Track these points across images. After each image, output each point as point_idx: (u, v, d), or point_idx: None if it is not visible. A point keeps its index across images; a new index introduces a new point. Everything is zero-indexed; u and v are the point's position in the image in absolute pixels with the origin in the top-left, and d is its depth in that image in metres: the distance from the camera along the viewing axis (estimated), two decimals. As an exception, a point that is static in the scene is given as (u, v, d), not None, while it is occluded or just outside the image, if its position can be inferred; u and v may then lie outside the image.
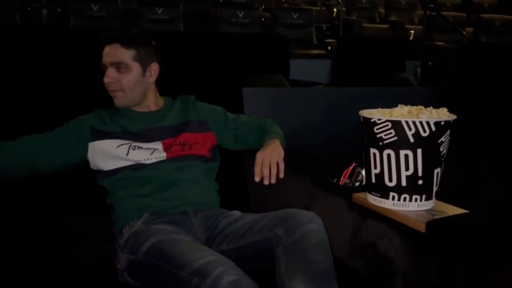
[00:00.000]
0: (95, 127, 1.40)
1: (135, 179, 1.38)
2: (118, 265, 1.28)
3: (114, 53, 1.37)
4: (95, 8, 4.58)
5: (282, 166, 1.36)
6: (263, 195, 1.61)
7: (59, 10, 4.85)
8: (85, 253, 1.24)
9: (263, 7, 5.62)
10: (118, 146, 1.39)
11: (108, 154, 1.38)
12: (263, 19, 5.29)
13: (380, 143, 1.16)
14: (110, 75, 1.37)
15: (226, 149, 1.59)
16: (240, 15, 5.11)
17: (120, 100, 1.40)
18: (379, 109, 1.23)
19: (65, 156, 1.37)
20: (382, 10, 6.47)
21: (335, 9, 6.10)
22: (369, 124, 1.17)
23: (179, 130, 1.47)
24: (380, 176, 1.18)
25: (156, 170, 1.39)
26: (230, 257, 1.12)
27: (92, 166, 1.41)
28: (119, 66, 1.37)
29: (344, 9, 5.87)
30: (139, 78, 1.40)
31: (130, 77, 1.38)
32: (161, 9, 4.80)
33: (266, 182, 1.33)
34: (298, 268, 1.10)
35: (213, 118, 1.55)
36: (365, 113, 1.21)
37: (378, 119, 1.15)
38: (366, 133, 1.19)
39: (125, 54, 1.37)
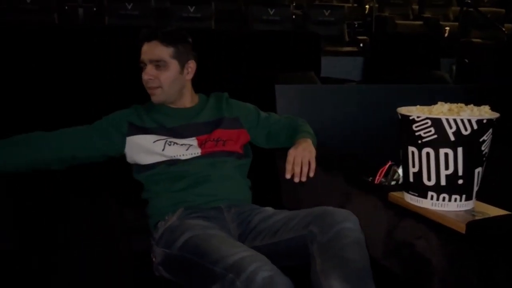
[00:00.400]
0: (132, 122, 1.43)
1: (170, 174, 1.39)
2: (154, 259, 1.30)
3: (153, 50, 1.38)
4: (129, 7, 4.67)
5: (313, 165, 1.35)
6: (296, 193, 1.61)
7: (94, 9, 4.97)
8: (122, 246, 1.26)
9: (294, 4, 5.60)
10: (154, 142, 1.41)
11: (145, 149, 1.40)
12: (294, 17, 5.28)
13: (419, 141, 1.13)
14: (149, 72, 1.38)
15: (259, 146, 1.59)
16: (271, 13, 5.11)
17: (158, 97, 1.42)
18: (418, 106, 1.20)
19: (104, 149, 1.40)
20: (415, 7, 6.34)
21: (367, 6, 6.02)
22: (408, 121, 1.15)
23: (213, 127, 1.48)
24: (418, 175, 1.16)
25: (191, 165, 1.40)
26: (263, 254, 1.12)
27: (129, 159, 1.44)
28: (158, 64, 1.38)
29: (376, 5, 5.78)
30: (177, 76, 1.42)
31: (168, 74, 1.39)
32: (193, 7, 4.85)
33: (296, 180, 1.32)
34: (334, 266, 1.09)
35: (246, 116, 1.55)
36: (404, 110, 1.18)
37: (417, 117, 1.12)
38: (404, 131, 1.17)
39: (164, 52, 1.38)
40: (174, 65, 1.40)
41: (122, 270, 1.19)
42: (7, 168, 1.29)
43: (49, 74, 1.79)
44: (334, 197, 1.45)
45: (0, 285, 1.09)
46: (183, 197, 1.38)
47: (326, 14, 5.23)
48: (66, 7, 4.91)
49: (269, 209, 1.39)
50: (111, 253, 1.20)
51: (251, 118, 1.56)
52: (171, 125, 1.44)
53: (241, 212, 1.38)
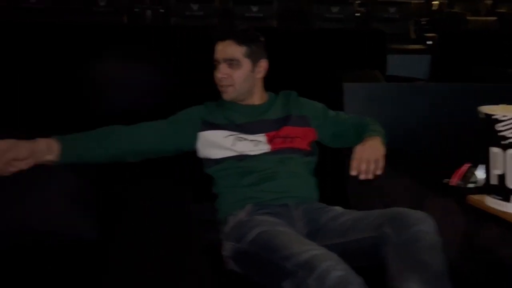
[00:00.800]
0: (205, 118, 1.47)
1: (239, 169, 1.42)
2: (223, 252, 1.33)
3: (227, 49, 1.42)
4: (195, 8, 4.80)
5: (381, 164, 1.31)
6: (364, 194, 1.57)
7: (161, 10, 5.16)
8: (194, 239, 1.30)
9: (358, 2, 5.50)
10: (224, 137, 1.44)
11: (216, 144, 1.44)
12: (357, 14, 5.18)
13: (503, 142, 1.08)
14: (223, 70, 1.43)
15: (326, 145, 1.58)
16: (335, 11, 5.04)
17: (229, 94, 1.45)
18: (502, 105, 1.14)
19: (177, 143, 1.46)
20: (488, 2, 6.00)
21: (435, 2, 5.78)
22: (491, 121, 1.09)
23: (281, 123, 1.49)
24: (502, 177, 1.10)
25: (259, 161, 1.42)
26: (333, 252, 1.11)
27: (199, 154, 1.49)
28: (231, 62, 1.42)
29: (446, 1, 5.54)
30: (248, 74, 1.45)
31: (240, 73, 1.43)
32: (256, 7, 4.90)
33: (362, 177, 1.29)
34: (411, 269, 1.06)
35: (314, 114, 1.55)
36: (486, 109, 1.13)
37: (503, 116, 1.06)
38: (487, 131, 1.11)
39: (237, 51, 1.42)
40: (246, 64, 1.44)
41: (194, 262, 1.23)
42: (89, 159, 1.37)
43: (123, 71, 1.88)
44: (406, 199, 1.40)
45: (82, 274, 1.16)
46: (251, 193, 1.40)
47: (391, 11, 5.08)
48: (135, 9, 5.13)
49: (338, 208, 1.38)
50: (184, 245, 1.24)
51: (319, 116, 1.56)
52: (241, 122, 1.47)
53: (309, 210, 1.38)
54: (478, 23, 5.26)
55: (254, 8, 4.90)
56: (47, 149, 1.28)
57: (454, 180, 1.33)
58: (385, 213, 1.20)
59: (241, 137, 1.44)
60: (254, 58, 1.45)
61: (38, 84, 1.77)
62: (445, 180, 1.35)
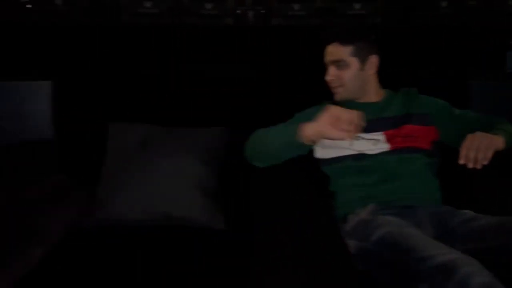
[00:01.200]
0: None
1: (357, 168, 1.43)
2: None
3: (333, 52, 1.52)
4: (296, 8, 4.84)
5: (490, 154, 1.27)
6: (496, 197, 1.48)
7: (262, 11, 5.29)
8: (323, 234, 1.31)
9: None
10: None
11: (332, 143, 1.47)
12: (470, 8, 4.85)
13: None
14: (331, 72, 1.53)
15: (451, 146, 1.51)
16: (443, 5, 4.78)
17: (340, 95, 1.54)
18: None
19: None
20: None
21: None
22: None
23: (401, 122, 1.50)
24: None
25: (378, 161, 1.41)
26: None
27: (316, 154, 1.50)
28: (339, 64, 1.51)
29: None
30: (358, 73, 1.49)
31: (349, 73, 1.52)
32: (359, 4, 4.80)
33: (470, 165, 1.27)
34: None
35: (436, 112, 1.54)
36: None
37: None
38: None
39: (342, 52, 1.51)
40: (354, 63, 1.51)
41: (328, 257, 1.23)
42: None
43: (232, 70, 1.96)
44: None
45: (212, 261, 1.23)
46: (373, 192, 1.39)
47: (510, 3, 4.69)
48: (238, 11, 5.33)
49: (469, 212, 1.32)
50: (315, 237, 1.25)
51: (443, 115, 1.53)
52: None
53: (437, 212, 1.33)
54: None
55: (357, 6, 4.82)
56: None
57: None
58: None
59: (358, 136, 1.46)
60: (362, 56, 1.51)
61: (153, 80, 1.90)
62: None
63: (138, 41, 1.89)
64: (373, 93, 1.55)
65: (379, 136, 1.50)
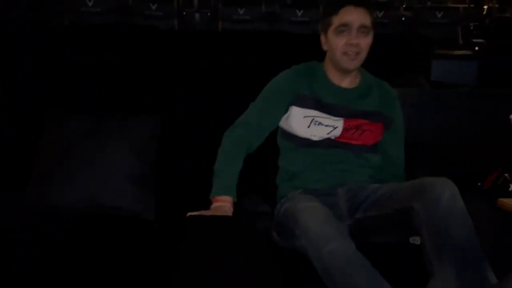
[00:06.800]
0: (298, 92, 1.46)
1: (305, 153, 1.47)
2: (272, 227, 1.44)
3: (361, 16, 1.37)
4: (241, 12, 4.94)
5: None
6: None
7: (209, 14, 5.34)
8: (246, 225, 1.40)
9: (404, 6, 5.45)
10: (304, 117, 1.45)
11: (296, 122, 1.46)
12: (403, 19, 5.14)
13: (533, 148, 1.12)
14: (356, 36, 1.38)
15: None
16: (380, 15, 5.04)
17: (356, 62, 1.41)
18: (534, 113, 1.18)
19: (279, 118, 1.50)
20: (543, 6, 5.79)
21: (485, 7, 5.64)
22: (521, 128, 1.14)
23: (364, 115, 1.47)
24: (530, 182, 1.14)
25: (320, 147, 1.45)
26: (367, 226, 1.25)
27: (281, 123, 1.51)
28: (364, 30, 1.38)
29: (496, 6, 5.41)
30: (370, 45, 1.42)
31: (369, 41, 1.40)
32: (301, 11, 4.98)
33: None
34: (443, 247, 1.15)
35: (397, 120, 1.55)
36: (517, 116, 1.18)
37: (532, 123, 1.11)
38: (517, 137, 1.16)
39: (368, 19, 1.40)
40: (371, 34, 1.41)
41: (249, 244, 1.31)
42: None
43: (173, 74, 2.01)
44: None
45: (138, 251, 1.30)
46: (302, 180, 1.46)
47: (439, 16, 5.02)
48: (184, 13, 5.34)
49: (376, 185, 1.43)
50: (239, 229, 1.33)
51: (397, 126, 1.55)
52: (326, 101, 1.46)
53: (353, 188, 1.43)
54: (531, 28, 5.09)
55: (299, 12, 4.99)
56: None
57: (488, 184, 1.38)
58: (414, 185, 1.27)
59: (317, 121, 1.44)
60: (373, 31, 1.42)
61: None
62: (479, 184, 1.40)
63: (76, 38, 1.88)
64: (355, 75, 1.49)
65: (338, 122, 1.45)
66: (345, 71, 1.45)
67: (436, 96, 2.17)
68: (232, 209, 1.35)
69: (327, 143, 1.44)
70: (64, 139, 1.53)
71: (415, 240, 1.27)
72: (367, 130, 1.47)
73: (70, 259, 1.24)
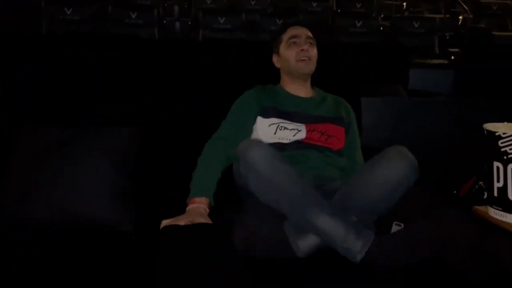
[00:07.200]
0: (261, 103, 1.59)
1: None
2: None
3: (306, 31, 1.65)
4: (222, 21, 4.96)
5: None
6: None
7: (189, 23, 5.34)
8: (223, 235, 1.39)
9: (382, 16, 5.56)
10: (269, 125, 1.56)
11: (261, 130, 1.56)
12: (381, 28, 5.24)
13: (505, 157, 1.15)
14: (305, 44, 1.62)
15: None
16: (358, 25, 5.12)
17: (310, 67, 1.63)
18: (505, 123, 1.21)
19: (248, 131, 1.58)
20: (515, 17, 5.96)
21: (461, 17, 5.79)
22: (494, 137, 1.17)
23: (325, 120, 1.60)
24: (503, 190, 1.17)
25: (291, 149, 1.52)
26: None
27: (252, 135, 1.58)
28: (311, 41, 1.64)
29: (471, 16, 5.55)
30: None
31: (316, 52, 1.65)
32: (281, 20, 5.02)
33: None
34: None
35: (351, 120, 1.68)
36: (490, 126, 1.21)
37: (503, 133, 1.14)
38: (490, 146, 1.19)
39: (311, 35, 1.66)
40: (316, 48, 1.65)
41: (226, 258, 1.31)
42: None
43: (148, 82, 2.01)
44: (417, 208, 1.48)
45: (115, 264, 1.28)
46: None
47: (416, 25, 5.13)
48: (164, 21, 5.34)
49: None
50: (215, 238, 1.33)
51: (352, 125, 1.68)
52: (287, 109, 1.60)
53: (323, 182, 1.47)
54: (505, 38, 5.24)
55: (279, 21, 5.03)
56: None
57: (463, 192, 1.41)
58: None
59: (282, 126, 1.56)
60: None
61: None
62: (455, 191, 1.42)
63: (52, 46, 1.87)
64: (309, 86, 1.69)
65: (301, 127, 1.57)
66: (302, 78, 1.64)
67: (413, 104, 2.22)
68: (207, 210, 1.39)
69: (295, 145, 1.52)
70: (38, 150, 1.49)
71: (399, 224, 1.30)
72: (332, 136, 1.57)
73: (42, 276, 1.21)
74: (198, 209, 1.37)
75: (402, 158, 1.28)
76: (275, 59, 1.70)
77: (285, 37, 1.66)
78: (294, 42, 1.62)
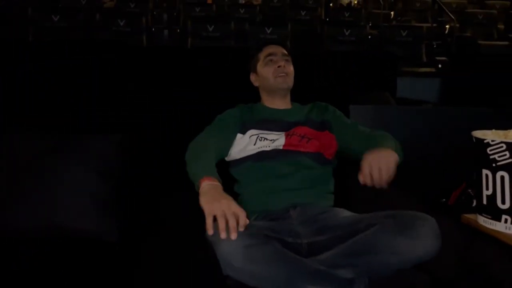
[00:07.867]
0: (243, 121, 1.63)
1: (256, 169, 1.51)
2: None
3: (281, 48, 1.72)
4: (210, 29, 4.95)
5: (392, 172, 1.26)
6: (365, 208, 1.63)
7: (178, 31, 5.33)
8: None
9: (370, 24, 5.60)
10: (250, 137, 1.58)
11: (238, 146, 1.57)
12: (369, 37, 5.28)
13: (493, 165, 1.15)
14: (281, 62, 1.68)
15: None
16: (347, 33, 5.16)
17: (288, 82, 1.67)
18: (493, 130, 1.21)
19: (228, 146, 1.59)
20: (501, 26, 6.06)
21: (447, 26, 5.86)
22: (482, 145, 1.16)
23: (300, 124, 1.62)
24: (492, 197, 1.17)
25: (274, 161, 1.51)
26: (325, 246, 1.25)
27: (227, 157, 1.60)
28: (287, 59, 1.70)
29: (457, 25, 5.62)
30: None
31: (292, 69, 1.70)
32: (270, 29, 5.03)
33: (374, 185, 1.26)
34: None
35: (333, 119, 1.66)
36: (478, 134, 1.21)
37: (492, 141, 1.14)
38: (479, 154, 1.19)
39: (287, 53, 1.72)
40: (292, 65, 1.71)
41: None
42: None
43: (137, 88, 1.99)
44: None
45: (101, 274, 1.25)
46: (261, 203, 1.46)
47: (403, 34, 5.18)
48: (153, 29, 5.32)
49: (339, 209, 1.45)
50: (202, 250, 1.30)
51: (338, 122, 1.66)
52: (267, 121, 1.62)
53: (308, 211, 1.42)
54: (491, 47, 5.31)
55: (269, 30, 5.04)
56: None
57: (452, 200, 1.40)
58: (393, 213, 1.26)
59: (262, 137, 1.58)
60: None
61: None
62: (444, 200, 1.42)
63: (39, 53, 1.84)
64: (288, 99, 1.72)
65: (280, 135, 1.59)
66: (281, 93, 1.68)
67: (401, 112, 2.22)
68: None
69: (275, 153, 1.52)
70: (19, 158, 1.46)
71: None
72: (314, 139, 1.57)
73: (24, 287, 1.18)
74: (218, 189, 1.27)
75: (437, 237, 1.20)
76: (253, 78, 1.75)
77: (262, 55, 1.71)
78: (271, 60, 1.67)
